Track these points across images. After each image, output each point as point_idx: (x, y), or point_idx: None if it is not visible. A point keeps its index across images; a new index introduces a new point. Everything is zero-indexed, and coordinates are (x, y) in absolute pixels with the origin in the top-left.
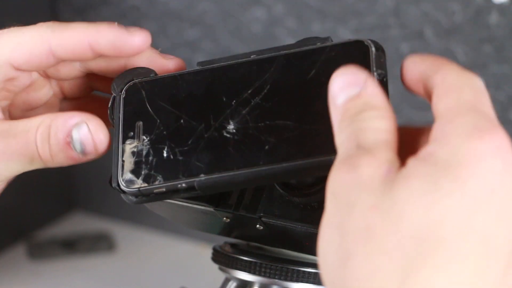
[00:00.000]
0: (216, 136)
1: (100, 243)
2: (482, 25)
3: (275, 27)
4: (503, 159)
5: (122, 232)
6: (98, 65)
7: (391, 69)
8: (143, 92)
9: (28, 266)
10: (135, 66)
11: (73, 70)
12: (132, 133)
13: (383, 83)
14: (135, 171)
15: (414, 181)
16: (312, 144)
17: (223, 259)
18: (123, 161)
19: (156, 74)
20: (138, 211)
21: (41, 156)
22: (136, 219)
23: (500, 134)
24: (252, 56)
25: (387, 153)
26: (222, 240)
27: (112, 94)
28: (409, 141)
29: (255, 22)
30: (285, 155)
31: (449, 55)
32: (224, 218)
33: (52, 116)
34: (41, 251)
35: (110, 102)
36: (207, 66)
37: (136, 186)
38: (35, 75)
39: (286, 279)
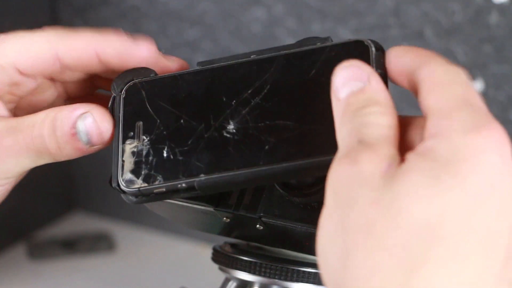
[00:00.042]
0: (216, 136)
1: (100, 243)
2: (482, 25)
3: (275, 27)
4: (502, 154)
5: (122, 232)
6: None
7: None
8: (143, 92)
9: (28, 266)
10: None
11: (77, 73)
12: (132, 133)
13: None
14: (135, 171)
15: (414, 177)
16: (312, 144)
17: (223, 259)
18: (123, 161)
19: (156, 74)
20: (138, 211)
21: (49, 150)
22: (136, 219)
23: (497, 128)
24: (252, 56)
25: (388, 148)
26: (222, 240)
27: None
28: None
29: (255, 22)
30: (285, 155)
31: (449, 55)
32: (224, 218)
33: (57, 109)
34: (41, 251)
35: (110, 102)
36: (207, 66)
37: (136, 186)
38: (40, 79)
39: (286, 279)
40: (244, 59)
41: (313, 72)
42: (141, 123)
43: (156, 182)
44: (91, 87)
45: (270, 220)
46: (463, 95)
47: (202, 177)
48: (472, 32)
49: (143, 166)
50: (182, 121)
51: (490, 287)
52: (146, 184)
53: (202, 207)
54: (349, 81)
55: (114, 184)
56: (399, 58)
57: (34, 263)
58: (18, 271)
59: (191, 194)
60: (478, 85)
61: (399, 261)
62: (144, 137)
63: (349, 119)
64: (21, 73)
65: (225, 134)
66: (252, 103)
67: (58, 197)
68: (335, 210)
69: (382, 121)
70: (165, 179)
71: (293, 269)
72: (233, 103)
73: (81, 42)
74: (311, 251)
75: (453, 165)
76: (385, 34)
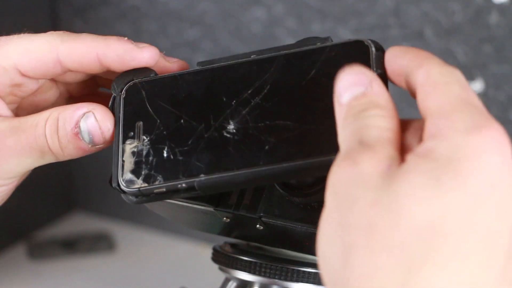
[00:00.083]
0: (216, 136)
1: (100, 243)
2: (482, 25)
3: (275, 27)
4: (502, 153)
5: (122, 232)
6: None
7: None
8: (143, 92)
9: (28, 266)
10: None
11: (79, 75)
12: (132, 133)
13: (383, 83)
14: (135, 171)
15: (414, 177)
16: (312, 144)
17: (223, 259)
18: (123, 161)
19: (156, 74)
20: (138, 211)
21: (51, 149)
22: (136, 219)
23: (497, 128)
24: (252, 56)
25: (388, 149)
26: (222, 240)
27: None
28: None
29: (255, 22)
30: (285, 155)
31: (449, 55)
32: (224, 218)
33: (60, 109)
34: (41, 251)
35: (110, 102)
36: (207, 66)
37: (136, 186)
38: (42, 80)
39: (286, 279)
40: (244, 59)
41: (313, 72)
42: (141, 123)
43: (156, 182)
44: (93, 86)
45: (270, 220)
46: (462, 96)
47: (202, 177)
48: (472, 32)
49: (143, 166)
50: (182, 121)
51: (490, 287)
52: (146, 184)
53: (202, 207)
54: (351, 86)
55: (114, 184)
56: (397, 59)
57: (34, 263)
58: (18, 271)
59: (191, 194)
60: (478, 85)
61: (399, 262)
62: (144, 137)
63: (350, 121)
64: (22, 74)
65: (225, 134)
66: (252, 103)
67: (58, 197)
68: (335, 210)
69: (383, 124)
70: (165, 179)
71: (293, 269)
72: (233, 103)
73: (82, 45)
74: (311, 251)
75: (454, 166)
76: (385, 34)
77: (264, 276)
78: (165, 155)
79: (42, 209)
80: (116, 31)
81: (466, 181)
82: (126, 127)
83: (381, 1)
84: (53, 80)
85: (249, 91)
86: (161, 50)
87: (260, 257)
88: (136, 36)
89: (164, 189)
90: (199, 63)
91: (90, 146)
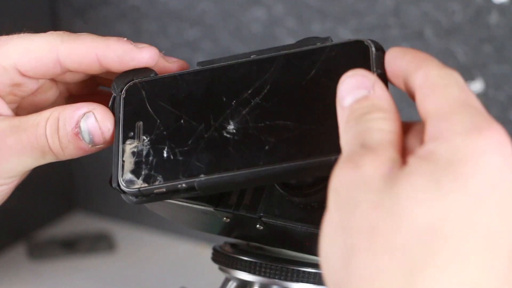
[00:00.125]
0: (216, 136)
1: (100, 243)
2: (482, 25)
3: (275, 27)
4: (502, 153)
5: (122, 232)
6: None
7: None
8: (143, 92)
9: (28, 266)
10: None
11: (78, 75)
12: (132, 133)
13: (384, 83)
14: (135, 171)
15: (416, 180)
16: (312, 144)
17: (223, 259)
18: (123, 161)
19: (156, 74)
20: (138, 211)
21: (51, 149)
22: (136, 219)
23: (497, 129)
24: (252, 56)
25: (390, 152)
26: (222, 240)
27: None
28: None
29: (255, 22)
30: (285, 155)
31: (449, 55)
32: (224, 218)
33: (60, 109)
34: (41, 251)
35: (110, 102)
36: (207, 66)
37: (136, 186)
38: (41, 80)
39: (286, 279)
40: (244, 59)
41: (313, 72)
42: (141, 123)
43: (156, 182)
44: (93, 85)
45: (270, 220)
46: (461, 97)
47: (202, 177)
48: (472, 32)
49: (143, 166)
50: (182, 121)
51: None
52: (146, 184)
53: (202, 207)
54: (354, 89)
55: (114, 184)
56: (396, 60)
57: (34, 263)
58: (18, 271)
59: (191, 194)
60: (478, 85)
61: (401, 264)
62: (144, 137)
63: (352, 124)
64: (22, 74)
65: (225, 134)
66: (252, 103)
67: (58, 197)
68: (337, 213)
69: (385, 127)
70: (165, 179)
71: (293, 269)
72: (233, 103)
73: (82, 45)
74: (311, 251)
75: (454, 168)
76: (385, 34)
77: (264, 276)
78: (165, 155)
79: (42, 209)
80: (116, 31)
81: (466, 183)
82: (126, 127)
83: (381, 1)
84: (53, 80)
85: (249, 91)
86: (160, 50)
87: (260, 257)
88: (136, 36)
89: (164, 189)
90: (199, 63)
91: (90, 146)
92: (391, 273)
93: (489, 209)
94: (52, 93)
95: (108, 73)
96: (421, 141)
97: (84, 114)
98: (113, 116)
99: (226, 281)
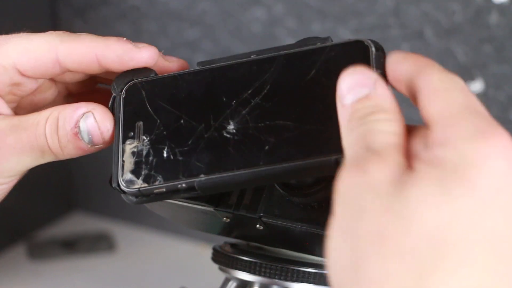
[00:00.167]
0: (216, 136)
1: (100, 243)
2: (482, 25)
3: (275, 27)
4: (507, 158)
5: (122, 232)
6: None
7: None
8: (143, 92)
9: (28, 266)
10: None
11: (78, 75)
12: (132, 133)
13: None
14: (135, 171)
15: (424, 186)
16: (312, 144)
17: (223, 259)
18: (123, 161)
19: (156, 74)
20: (138, 211)
21: (51, 149)
22: (136, 219)
23: (502, 134)
24: (252, 56)
25: (396, 156)
26: (222, 240)
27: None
28: None
29: (255, 22)
30: (285, 155)
31: (449, 55)
32: (224, 218)
33: (60, 108)
34: (41, 251)
35: (110, 102)
36: (207, 66)
37: (136, 186)
38: (41, 80)
39: (286, 279)
40: (244, 59)
41: (313, 72)
42: (141, 123)
43: (156, 182)
44: (92, 83)
45: (270, 220)
46: (465, 102)
47: (202, 177)
48: (472, 32)
49: (143, 166)
50: (182, 121)
51: None
52: (146, 184)
53: (202, 207)
54: (354, 87)
55: (114, 184)
56: (397, 65)
57: (34, 263)
58: (18, 271)
59: (191, 194)
60: (478, 85)
61: (411, 268)
62: (144, 137)
63: (355, 126)
64: (22, 74)
65: (225, 134)
66: (252, 103)
67: (58, 197)
68: (345, 217)
69: (390, 129)
70: (165, 179)
71: (293, 269)
72: (233, 103)
73: (81, 45)
74: (311, 251)
75: (461, 173)
76: (385, 34)
77: (264, 276)
78: (165, 155)
79: (42, 209)
80: (116, 31)
81: (473, 187)
82: (126, 127)
83: (381, 1)
84: (52, 79)
85: (249, 91)
86: (160, 50)
87: (260, 257)
88: (136, 36)
89: (164, 189)
90: (199, 63)
91: (89, 146)
92: (401, 276)
93: (493, 213)
94: (51, 92)
95: (108, 73)
96: (425, 145)
97: (84, 114)
98: (112, 116)
99: (226, 281)
